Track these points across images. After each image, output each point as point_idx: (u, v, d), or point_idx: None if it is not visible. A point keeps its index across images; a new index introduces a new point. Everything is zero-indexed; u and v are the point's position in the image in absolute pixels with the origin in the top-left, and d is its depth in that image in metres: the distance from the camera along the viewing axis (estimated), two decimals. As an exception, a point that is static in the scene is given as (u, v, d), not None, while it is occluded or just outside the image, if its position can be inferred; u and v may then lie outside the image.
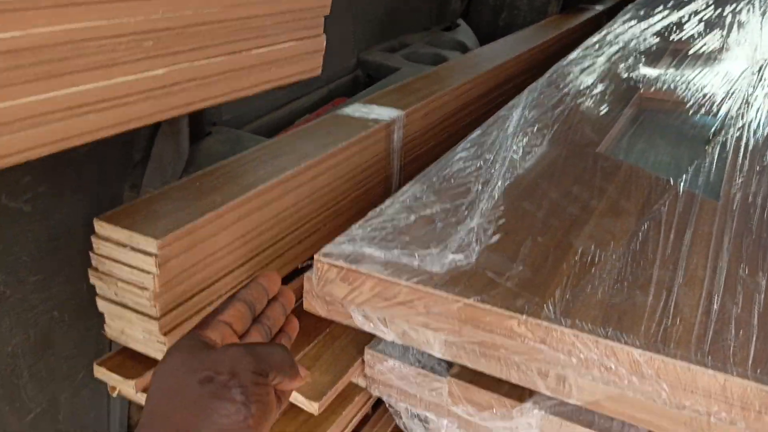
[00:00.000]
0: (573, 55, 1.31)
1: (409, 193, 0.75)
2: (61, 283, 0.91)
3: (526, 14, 2.16)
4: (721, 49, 1.39)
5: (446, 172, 0.79)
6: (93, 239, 0.70)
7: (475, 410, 0.73)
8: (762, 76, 1.17)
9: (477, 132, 0.92)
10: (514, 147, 0.85)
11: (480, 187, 0.76)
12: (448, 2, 1.94)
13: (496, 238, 0.65)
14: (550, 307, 0.55)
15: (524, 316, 0.54)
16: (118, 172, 0.95)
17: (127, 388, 0.74)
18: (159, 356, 0.73)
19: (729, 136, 0.91)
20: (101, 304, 0.74)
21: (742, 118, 0.98)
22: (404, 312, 0.60)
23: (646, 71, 1.25)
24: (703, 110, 1.06)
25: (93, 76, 0.54)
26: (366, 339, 0.82)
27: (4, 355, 0.85)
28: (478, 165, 0.81)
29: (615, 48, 1.35)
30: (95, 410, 1.02)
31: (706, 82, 1.17)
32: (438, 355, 0.62)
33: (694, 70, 1.25)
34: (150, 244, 0.66)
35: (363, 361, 0.86)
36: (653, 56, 1.36)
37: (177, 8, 0.58)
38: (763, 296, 0.56)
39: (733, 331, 0.52)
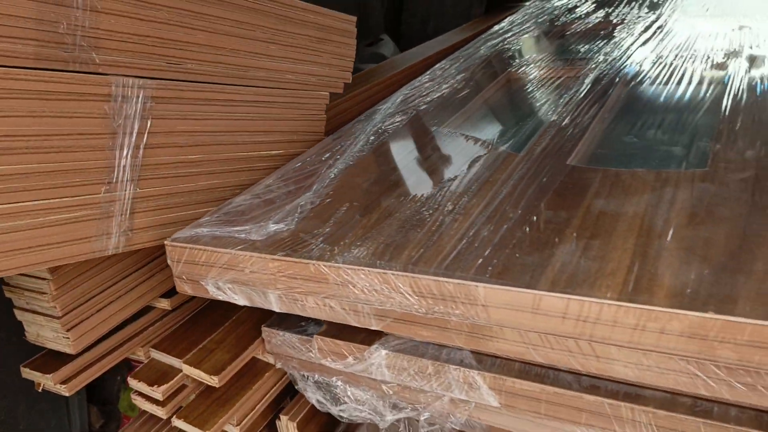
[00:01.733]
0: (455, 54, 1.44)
1: (263, 184, 0.88)
2: (3, 309, 1.04)
3: (451, 19, 2.30)
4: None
5: (299, 164, 0.92)
6: (1, 259, 0.84)
7: (338, 359, 0.85)
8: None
9: (337, 133, 1.05)
10: (364, 136, 0.98)
11: (324, 170, 0.89)
12: (367, 18, 2.09)
13: (317, 207, 0.78)
14: (338, 252, 0.67)
15: (316, 262, 0.66)
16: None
17: (47, 382, 0.88)
18: (68, 351, 0.86)
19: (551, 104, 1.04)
20: (18, 314, 0.88)
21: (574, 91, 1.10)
22: (237, 276, 0.73)
23: (519, 54, 1.38)
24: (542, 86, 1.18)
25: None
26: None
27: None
28: (328, 155, 0.94)
29: (496, 40, 1.48)
30: (55, 418, 1.16)
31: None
32: (277, 309, 0.75)
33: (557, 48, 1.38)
34: (41, 255, 0.80)
35: (263, 340, 0.99)
36: (531, 41, 1.49)
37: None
38: (511, 224, 0.68)
39: (474, 249, 0.64)
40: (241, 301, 0.76)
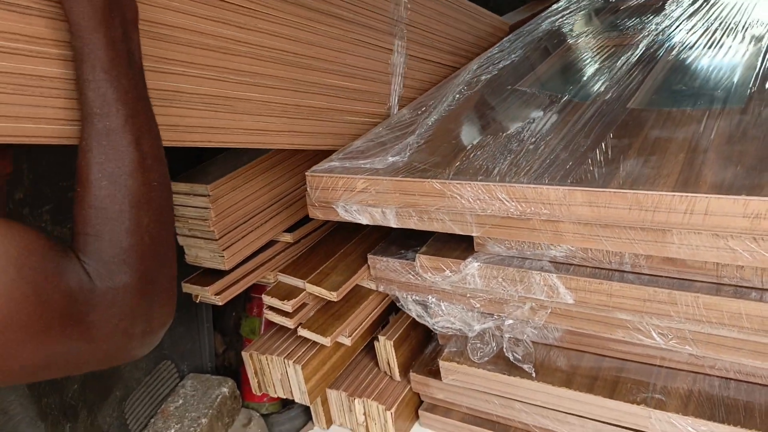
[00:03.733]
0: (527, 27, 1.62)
1: (373, 132, 1.08)
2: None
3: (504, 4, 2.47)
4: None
5: (398, 118, 1.12)
6: (169, 195, 1.07)
7: (437, 273, 1.05)
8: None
9: (432, 89, 1.25)
10: (450, 94, 1.18)
11: (422, 120, 1.08)
12: None
13: (423, 145, 0.98)
14: (447, 173, 0.87)
15: (430, 180, 0.86)
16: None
17: (205, 294, 1.10)
18: (223, 267, 1.08)
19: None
20: (181, 240, 1.10)
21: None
22: (364, 197, 0.93)
23: (577, 28, 1.55)
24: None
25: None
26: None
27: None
28: (423, 109, 1.14)
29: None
30: (190, 342, 1.39)
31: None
32: (394, 225, 0.95)
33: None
34: (204, 189, 1.02)
35: (368, 267, 1.19)
36: (588, 16, 1.66)
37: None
38: (583, 149, 0.86)
39: (555, 166, 0.83)
40: (364, 220, 0.96)
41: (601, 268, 0.93)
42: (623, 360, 1.06)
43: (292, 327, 1.16)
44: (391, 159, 0.93)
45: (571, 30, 1.53)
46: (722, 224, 0.70)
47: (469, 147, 0.95)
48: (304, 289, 1.15)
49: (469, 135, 1.00)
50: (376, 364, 1.29)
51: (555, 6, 1.82)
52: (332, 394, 1.27)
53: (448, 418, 1.23)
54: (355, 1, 1.11)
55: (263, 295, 1.16)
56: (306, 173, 0.96)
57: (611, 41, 1.41)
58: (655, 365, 1.03)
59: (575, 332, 1.07)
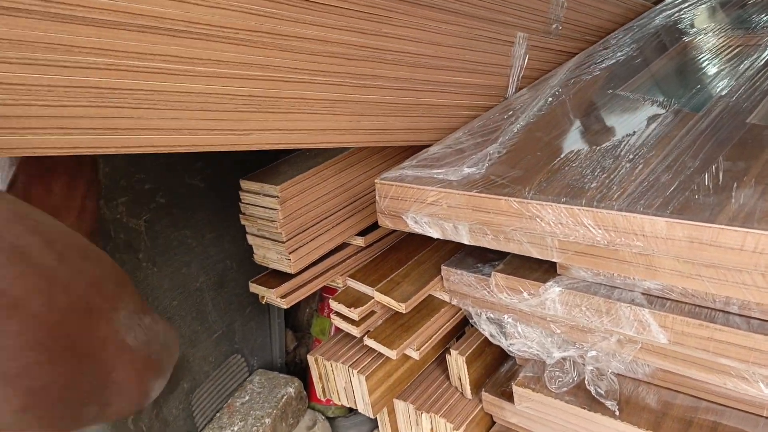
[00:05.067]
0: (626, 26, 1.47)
1: (452, 137, 1.01)
2: (229, 240, 1.27)
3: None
4: None
5: (482, 122, 1.04)
6: (240, 193, 1.05)
7: (513, 294, 0.96)
8: None
9: (518, 93, 1.15)
10: (543, 97, 1.07)
11: (507, 126, 0.99)
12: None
13: (504, 155, 0.89)
14: (528, 191, 0.78)
15: (507, 198, 0.78)
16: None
17: (270, 295, 1.07)
18: (289, 271, 1.05)
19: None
20: (250, 239, 1.08)
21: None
22: (435, 210, 0.86)
23: (695, 24, 1.38)
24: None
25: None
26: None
27: (193, 289, 1.23)
28: (510, 113, 1.04)
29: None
30: (261, 337, 1.38)
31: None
32: (467, 242, 0.87)
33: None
34: (273, 190, 0.99)
35: (441, 278, 1.12)
36: (709, 11, 1.48)
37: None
38: (690, 171, 0.75)
39: (654, 191, 0.72)
40: (434, 233, 0.89)
41: (703, 307, 0.81)
42: (723, 406, 0.93)
43: (358, 335, 1.11)
44: (467, 170, 0.86)
45: (688, 26, 1.37)
46: None
47: (555, 161, 0.85)
48: (373, 297, 1.10)
49: (557, 147, 0.90)
50: (448, 377, 1.23)
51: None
52: (399, 405, 1.22)
53: (521, 444, 1.15)
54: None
55: (330, 300, 1.12)
56: (375, 181, 0.90)
57: (735, 40, 1.25)
58: (762, 416, 0.90)
59: (671, 371, 0.95)
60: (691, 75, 1.11)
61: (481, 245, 0.86)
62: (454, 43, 1.03)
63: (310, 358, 1.17)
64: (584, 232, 0.73)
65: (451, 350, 1.17)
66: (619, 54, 1.26)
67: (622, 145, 0.86)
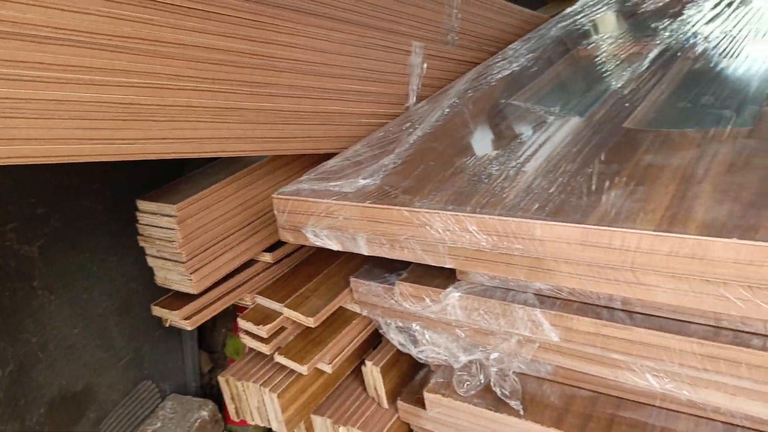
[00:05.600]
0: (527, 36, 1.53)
1: (351, 150, 1.02)
2: (132, 263, 1.24)
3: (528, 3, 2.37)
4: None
5: (382, 134, 1.05)
6: (137, 214, 1.02)
7: (417, 302, 0.98)
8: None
9: (418, 104, 1.17)
10: (440, 108, 1.10)
11: (404, 137, 1.01)
12: None
13: (399, 166, 0.91)
14: (418, 200, 0.80)
15: (399, 207, 0.79)
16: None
17: (174, 318, 1.05)
18: (192, 291, 1.03)
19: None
20: (150, 260, 1.05)
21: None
22: (332, 222, 0.86)
23: (588, 34, 1.45)
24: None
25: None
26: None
27: (96, 315, 1.18)
28: (408, 125, 1.06)
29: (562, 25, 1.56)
30: (173, 361, 1.34)
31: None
32: (365, 252, 0.88)
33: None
34: (171, 209, 0.97)
35: (351, 290, 1.13)
36: (601, 21, 1.56)
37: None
38: (567, 176, 0.78)
39: (534, 195, 0.75)
40: (334, 246, 0.90)
41: (590, 304, 0.84)
42: (620, 398, 0.97)
43: (269, 353, 1.10)
44: (362, 182, 0.87)
45: (582, 36, 1.44)
46: (710, 270, 0.61)
47: (447, 170, 0.88)
48: (282, 313, 1.09)
49: (450, 156, 0.92)
50: (366, 388, 1.23)
51: (569, 9, 1.72)
52: (317, 421, 1.21)
53: (437, 450, 1.16)
54: (372, 7, 1.10)
55: (239, 319, 1.10)
56: (273, 196, 0.90)
57: (621, 48, 1.32)
58: (654, 406, 0.95)
59: (570, 368, 0.99)
60: (578, 83, 1.16)
61: (379, 255, 0.87)
62: (346, 51, 1.05)
63: (221, 380, 1.15)
64: (470, 237, 0.75)
65: (366, 361, 1.18)
66: (515, 65, 1.31)
67: (508, 152, 0.89)
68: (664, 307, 0.78)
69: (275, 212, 0.91)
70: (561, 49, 1.35)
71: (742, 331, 0.74)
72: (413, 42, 1.21)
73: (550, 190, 0.76)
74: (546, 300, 0.87)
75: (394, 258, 0.86)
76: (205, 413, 1.24)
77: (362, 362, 1.19)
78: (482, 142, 0.95)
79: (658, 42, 1.26)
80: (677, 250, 0.62)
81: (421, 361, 1.09)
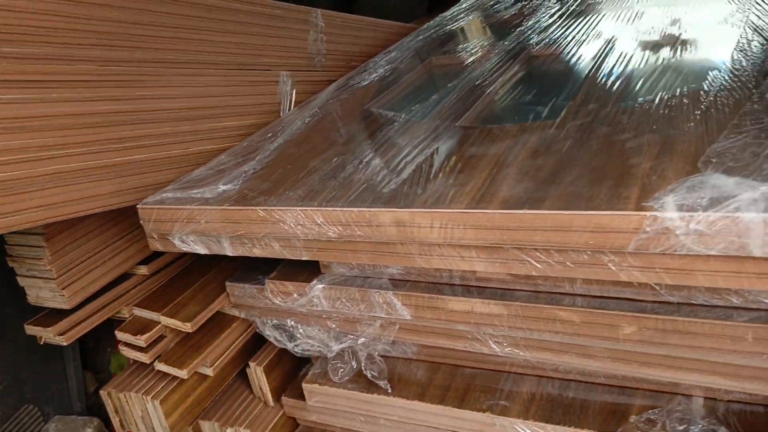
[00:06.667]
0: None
1: (215, 160, 1.08)
2: (4, 285, 1.22)
3: (397, 17, 2.51)
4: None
5: (246, 143, 1.13)
6: (5, 235, 1.03)
7: (286, 297, 1.05)
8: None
9: (284, 115, 1.26)
10: (301, 118, 1.19)
11: (266, 145, 1.09)
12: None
13: (259, 172, 0.98)
14: (273, 200, 0.88)
15: (254, 207, 0.86)
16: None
17: (48, 335, 1.06)
18: (65, 307, 1.05)
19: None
20: (20, 280, 1.06)
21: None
22: (196, 227, 0.92)
23: (443, 44, 1.60)
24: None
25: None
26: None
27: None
28: (271, 134, 1.14)
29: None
30: (56, 383, 1.34)
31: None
32: (230, 253, 0.94)
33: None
34: (38, 228, 0.99)
35: (227, 294, 1.18)
36: (455, 32, 1.71)
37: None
38: (403, 171, 0.89)
39: (372, 188, 0.85)
40: (201, 250, 0.96)
41: (436, 283, 0.95)
42: (476, 369, 1.09)
43: (149, 362, 1.13)
44: (222, 187, 0.93)
45: (435, 47, 1.58)
46: (511, 238, 0.73)
47: (302, 172, 0.96)
48: (159, 322, 1.13)
49: (305, 160, 1.01)
50: (252, 389, 1.28)
51: (426, 25, 1.87)
52: (205, 426, 1.25)
53: (323, 440, 1.23)
54: (237, 46, 1.19)
55: (116, 331, 1.13)
56: (138, 206, 0.95)
57: (468, 57, 1.46)
58: (504, 371, 1.06)
59: (429, 345, 1.09)
60: (426, 89, 1.29)
61: (243, 255, 0.94)
62: (215, 92, 1.13)
63: (103, 393, 1.17)
64: (318, 229, 0.83)
65: (250, 363, 1.23)
66: (374, 75, 1.42)
67: (357, 153, 0.99)
68: (493, 278, 0.90)
69: (141, 221, 0.96)
70: (416, 58, 1.48)
71: (555, 293, 0.87)
72: (281, 72, 1.30)
73: (389, 182, 0.86)
74: (398, 283, 0.97)
75: (257, 256, 0.93)
76: (89, 430, 1.25)
77: (247, 365, 1.24)
78: (335, 146, 1.05)
79: (497, 50, 1.42)
80: (483, 223, 0.73)
81: (298, 355, 1.16)
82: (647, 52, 1.18)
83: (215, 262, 1.25)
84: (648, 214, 0.64)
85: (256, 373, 1.24)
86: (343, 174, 0.92)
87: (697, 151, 0.74)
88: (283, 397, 1.23)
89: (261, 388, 1.25)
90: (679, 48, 1.17)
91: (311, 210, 0.83)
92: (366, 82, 1.37)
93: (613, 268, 0.70)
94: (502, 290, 0.90)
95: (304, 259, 0.90)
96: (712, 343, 0.76)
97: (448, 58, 1.49)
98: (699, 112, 0.84)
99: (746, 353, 0.75)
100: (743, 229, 0.60)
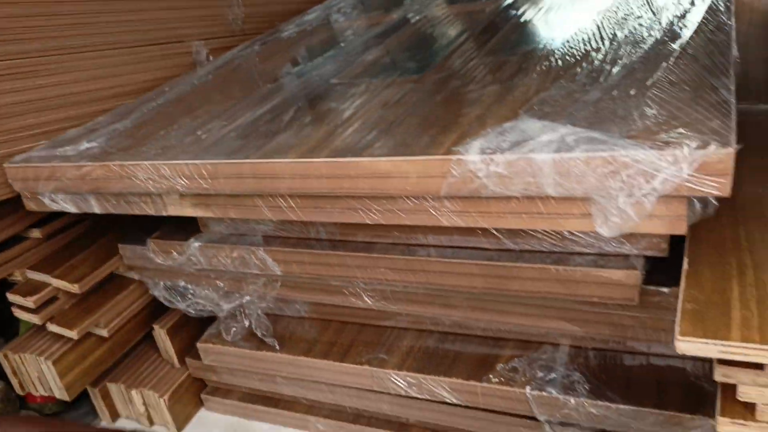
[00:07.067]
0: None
1: (93, 121, 1.08)
2: None
3: None
4: None
5: (131, 105, 1.13)
6: None
7: (167, 256, 1.06)
8: None
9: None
10: (193, 78, 1.19)
11: (145, 106, 1.09)
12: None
13: (129, 130, 0.99)
14: (121, 155, 0.88)
15: (110, 163, 0.87)
16: None
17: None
18: (-53, 268, 1.05)
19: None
20: None
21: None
22: (60, 185, 0.93)
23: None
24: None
25: None
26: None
27: None
28: (155, 95, 1.14)
29: None
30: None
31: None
32: (98, 211, 0.95)
33: None
34: None
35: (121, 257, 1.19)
36: None
37: None
38: (263, 122, 0.89)
39: (226, 139, 0.85)
40: (71, 208, 0.96)
41: (305, 238, 0.96)
42: (363, 325, 1.10)
43: (40, 323, 1.14)
44: (86, 145, 0.93)
45: (345, 12, 1.57)
46: (340, 186, 0.73)
47: (167, 129, 0.96)
48: (51, 284, 1.14)
49: (176, 118, 1.01)
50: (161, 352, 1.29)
51: None
52: (112, 388, 1.26)
53: (228, 399, 1.25)
54: (145, 23, 1.22)
55: (7, 294, 1.14)
56: (5, 165, 0.95)
57: (369, 21, 1.46)
58: (388, 327, 1.08)
59: (318, 303, 1.10)
60: (324, 47, 1.28)
61: (110, 212, 0.94)
62: (124, 71, 1.16)
63: (0, 356, 1.18)
64: (167, 183, 0.84)
65: (154, 326, 1.24)
66: (279, 35, 1.41)
67: (227, 110, 0.99)
68: (359, 233, 0.91)
69: (10, 181, 0.96)
70: (324, 20, 1.47)
71: (411, 244, 0.88)
72: (193, 42, 1.30)
73: (243, 136, 0.86)
74: (270, 240, 0.98)
75: (122, 213, 0.94)
76: (-6, 394, 1.26)
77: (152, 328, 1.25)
78: (210, 104, 1.05)
79: (395, 14, 1.41)
80: (310, 172, 0.74)
81: (192, 316, 1.17)
82: (518, 11, 1.18)
83: (113, 225, 1.25)
84: (453, 157, 0.65)
85: (161, 335, 1.25)
86: (204, 130, 0.92)
87: (527, 100, 0.75)
88: (186, 359, 1.24)
89: (167, 350, 1.26)
90: (547, 9, 1.18)
91: (159, 164, 0.83)
92: (268, 43, 1.37)
93: (434, 213, 0.71)
94: (365, 243, 0.91)
95: (167, 214, 0.90)
96: (549, 287, 0.78)
97: (352, 21, 1.48)
98: (546, 65, 0.85)
99: (577, 295, 0.76)
100: (536, 170, 0.61)
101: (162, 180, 0.84)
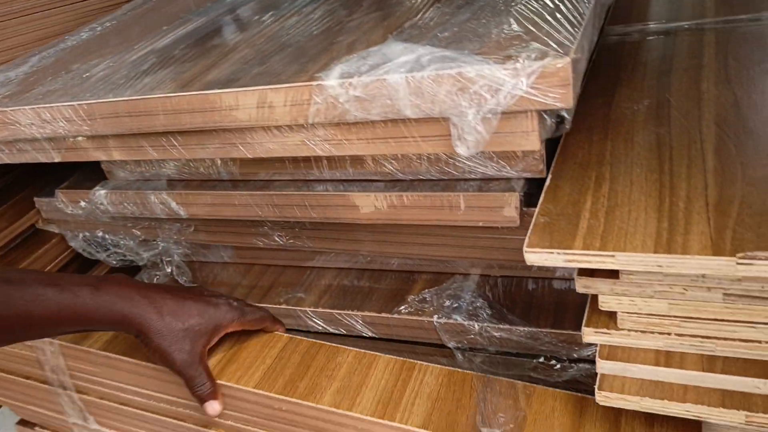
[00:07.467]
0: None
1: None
2: None
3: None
4: None
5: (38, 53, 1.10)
6: None
7: (76, 205, 1.04)
8: None
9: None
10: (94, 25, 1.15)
11: (49, 51, 1.06)
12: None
13: (23, 78, 0.96)
14: (6, 101, 0.85)
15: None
16: None
17: None
18: None
19: None
20: None
21: None
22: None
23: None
24: None
25: None
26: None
27: None
28: (62, 43, 1.11)
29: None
30: None
31: None
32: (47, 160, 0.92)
33: None
34: None
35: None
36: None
37: None
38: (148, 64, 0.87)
39: (107, 82, 0.83)
40: (7, 159, 0.93)
41: (207, 180, 0.95)
42: (284, 266, 1.10)
43: (-41, 280, 1.13)
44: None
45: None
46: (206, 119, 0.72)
47: (54, 76, 0.94)
48: (-34, 241, 1.13)
49: (66, 64, 0.98)
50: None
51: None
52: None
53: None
54: None
55: None
56: None
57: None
58: (308, 267, 1.08)
59: (238, 246, 1.10)
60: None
61: (5, 162, 0.92)
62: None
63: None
64: (50, 127, 0.82)
65: (84, 279, 1.23)
66: None
67: (121, 53, 0.97)
68: (257, 171, 0.90)
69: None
70: None
71: (309, 180, 0.87)
72: None
73: (128, 76, 0.84)
74: (174, 183, 0.97)
75: (16, 162, 0.92)
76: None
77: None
78: (107, 47, 1.02)
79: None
80: (183, 107, 0.72)
81: (114, 266, 1.17)
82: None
83: (37, 179, 1.23)
84: (314, 83, 0.63)
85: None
86: (91, 73, 0.90)
87: (400, 24, 0.73)
88: (118, 310, 1.23)
89: (98, 303, 1.26)
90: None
91: (39, 108, 0.81)
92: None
93: (309, 143, 0.70)
94: (264, 182, 0.90)
95: (57, 161, 0.89)
96: (438, 215, 0.77)
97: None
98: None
99: (466, 221, 0.76)
100: (392, 91, 0.60)
101: (45, 125, 0.82)
